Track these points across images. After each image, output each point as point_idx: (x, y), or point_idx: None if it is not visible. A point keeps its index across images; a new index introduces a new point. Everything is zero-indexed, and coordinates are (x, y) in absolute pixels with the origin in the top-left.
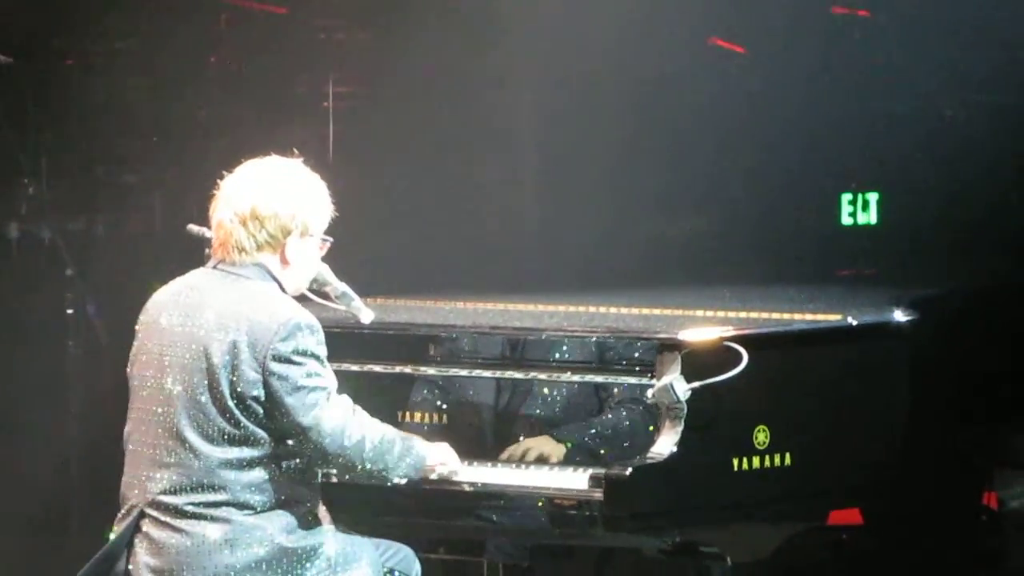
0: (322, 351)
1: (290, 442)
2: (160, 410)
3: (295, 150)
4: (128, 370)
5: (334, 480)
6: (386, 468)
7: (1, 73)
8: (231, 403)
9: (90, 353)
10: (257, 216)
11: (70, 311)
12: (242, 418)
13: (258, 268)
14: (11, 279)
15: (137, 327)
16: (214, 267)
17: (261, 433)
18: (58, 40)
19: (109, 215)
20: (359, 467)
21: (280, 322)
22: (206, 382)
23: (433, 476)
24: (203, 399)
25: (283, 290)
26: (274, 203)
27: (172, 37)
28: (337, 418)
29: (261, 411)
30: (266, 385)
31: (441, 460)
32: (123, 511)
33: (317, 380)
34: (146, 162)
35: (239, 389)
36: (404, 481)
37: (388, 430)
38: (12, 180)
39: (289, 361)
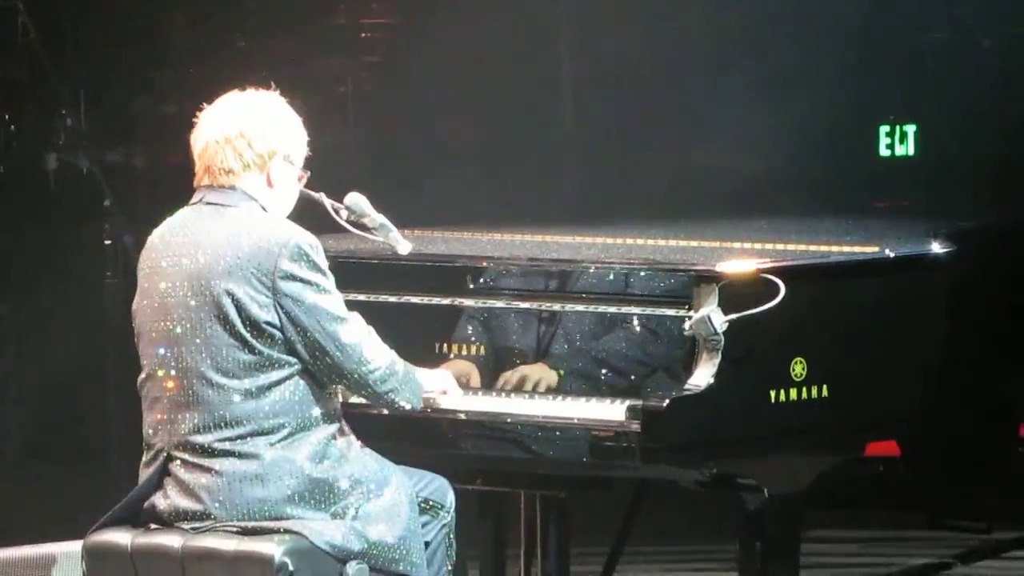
0: (325, 265)
1: (308, 361)
2: (171, 352)
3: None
4: (133, 319)
5: (365, 411)
6: (394, 390)
7: (40, 5)
8: (244, 331)
9: (128, 284)
10: (244, 135)
11: (108, 242)
12: (257, 344)
13: (243, 195)
14: (49, 210)
15: (137, 271)
16: (199, 201)
17: (278, 356)
18: None
19: (146, 146)
20: (371, 386)
21: (281, 243)
22: (215, 315)
23: (433, 403)
24: (213, 333)
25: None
26: (261, 123)
27: None
28: (354, 333)
29: (277, 334)
30: (278, 307)
31: (440, 388)
32: (149, 456)
33: (327, 296)
34: (183, 93)
35: (251, 315)
36: (408, 407)
37: (391, 353)
38: (50, 111)
39: (298, 279)
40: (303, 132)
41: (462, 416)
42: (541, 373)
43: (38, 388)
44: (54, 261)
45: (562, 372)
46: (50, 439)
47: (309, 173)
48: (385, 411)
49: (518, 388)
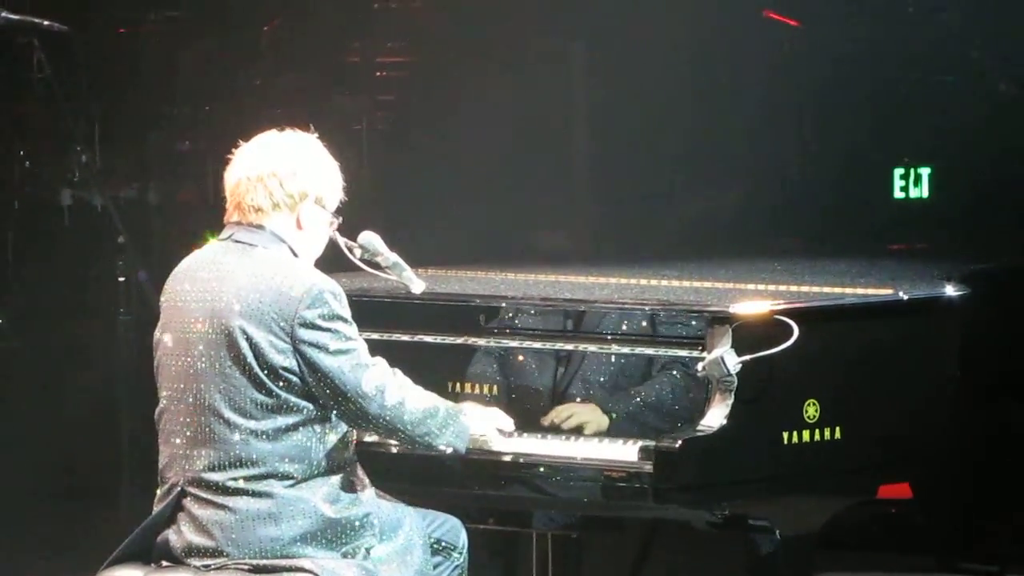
0: (347, 313)
1: (331, 407)
2: (189, 388)
3: (311, 126)
4: (154, 350)
5: (383, 450)
6: (429, 434)
7: (55, 41)
8: (261, 374)
9: (141, 320)
10: (276, 174)
11: (121, 279)
12: (274, 387)
13: (272, 235)
14: (63, 246)
15: (160, 305)
16: (228, 238)
17: (294, 400)
18: (112, 9)
19: (161, 183)
20: (401, 429)
21: (304, 289)
22: (232, 355)
23: (476, 446)
24: (231, 372)
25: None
26: (294, 164)
27: (225, 6)
28: (376, 378)
29: (294, 379)
30: (298, 354)
31: (484, 432)
32: (163, 490)
33: (349, 343)
34: (198, 130)
35: (268, 359)
36: (450, 450)
37: (431, 396)
38: (65, 148)
39: (317, 327)
40: (338, 177)
41: (507, 459)
42: (591, 415)
43: (51, 423)
44: (68, 297)
45: (614, 415)
46: (63, 475)
47: (340, 219)
48: (425, 452)
49: (563, 425)
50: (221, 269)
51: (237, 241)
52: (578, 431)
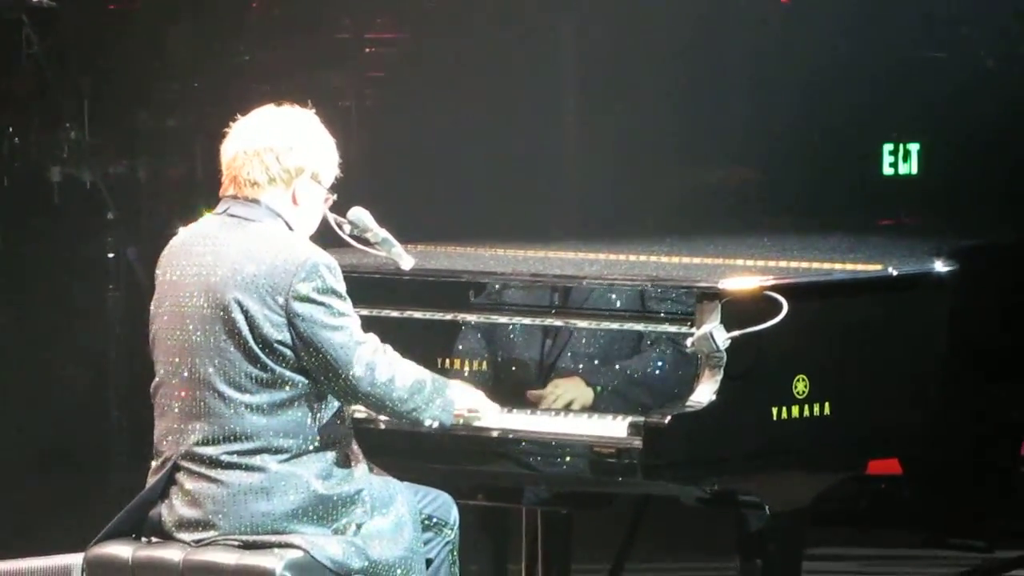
0: (342, 288)
1: (322, 382)
2: (184, 361)
3: (308, 101)
4: (150, 323)
5: (373, 426)
6: (416, 408)
7: (45, 17)
8: (256, 347)
9: (130, 297)
10: (273, 148)
11: (111, 255)
12: (268, 361)
13: (267, 209)
14: (53, 223)
15: (156, 279)
16: (224, 212)
17: (289, 375)
18: None
19: (150, 159)
20: (390, 405)
21: (298, 263)
22: (227, 329)
23: (462, 422)
24: (226, 346)
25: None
26: (291, 139)
27: None
28: (368, 355)
29: (289, 353)
30: (291, 327)
31: (472, 407)
32: (157, 463)
33: (342, 318)
34: (187, 107)
35: (263, 332)
36: (436, 424)
37: (420, 371)
38: (55, 124)
39: (312, 301)
40: (334, 154)
41: (494, 435)
42: (576, 390)
43: (41, 399)
44: (57, 273)
45: (598, 389)
46: (53, 451)
47: (335, 196)
48: (412, 427)
49: (552, 405)
50: (217, 243)
51: (233, 215)
52: (566, 408)
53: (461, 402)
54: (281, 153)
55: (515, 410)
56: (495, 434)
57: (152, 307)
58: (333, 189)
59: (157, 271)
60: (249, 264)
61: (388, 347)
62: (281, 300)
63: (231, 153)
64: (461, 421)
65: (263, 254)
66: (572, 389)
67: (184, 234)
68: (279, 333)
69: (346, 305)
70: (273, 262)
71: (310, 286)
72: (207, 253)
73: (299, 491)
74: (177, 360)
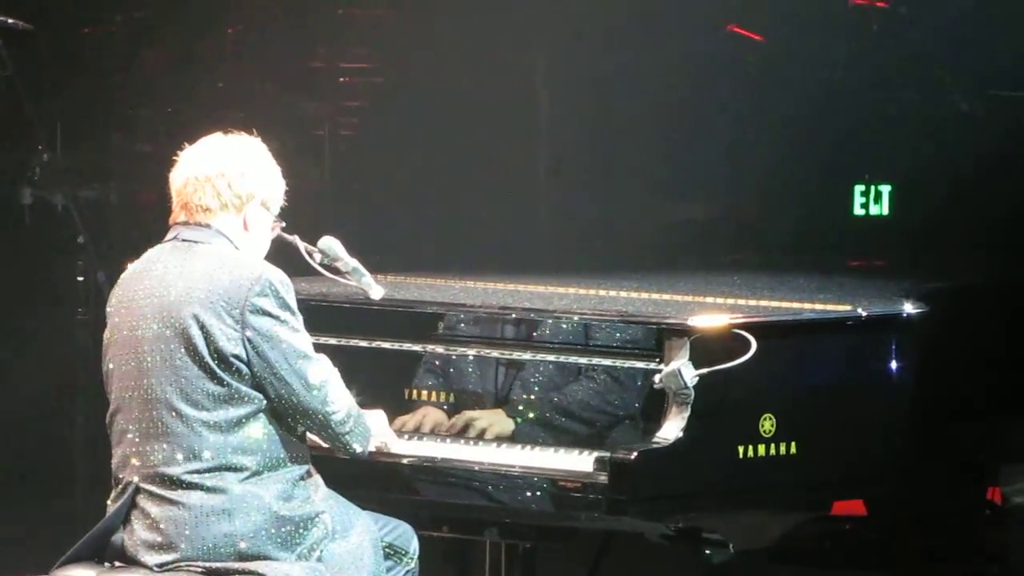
0: (294, 304)
1: (272, 398)
2: (141, 384)
3: (253, 130)
4: (104, 359)
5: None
6: (349, 433)
7: (19, 40)
8: (212, 363)
9: (99, 321)
10: (225, 174)
11: (81, 278)
12: (225, 376)
13: (218, 234)
14: (23, 245)
15: (107, 316)
16: (173, 238)
17: (246, 390)
18: (76, 8)
19: (122, 184)
20: (331, 427)
21: (252, 278)
22: (184, 347)
23: (383, 448)
24: (182, 364)
25: None
26: (242, 165)
27: (189, 8)
28: (321, 373)
29: (244, 368)
30: (247, 341)
31: (382, 435)
32: (117, 490)
33: (296, 335)
34: (160, 132)
35: (219, 347)
36: (360, 450)
37: (351, 398)
38: (27, 146)
39: (267, 314)
40: (282, 181)
41: (406, 461)
42: (492, 419)
43: (6, 422)
44: (26, 296)
45: (519, 420)
46: (17, 474)
47: (284, 224)
48: (337, 453)
49: (463, 433)
50: (168, 266)
51: (184, 240)
52: (479, 438)
53: (377, 429)
54: (233, 179)
55: (480, 443)
56: (406, 461)
57: (106, 339)
58: (281, 217)
59: (108, 307)
60: (203, 281)
61: (336, 371)
62: (237, 314)
63: (182, 180)
64: (381, 447)
65: (217, 271)
66: (487, 417)
67: (133, 266)
68: (235, 347)
69: (299, 321)
70: (228, 278)
71: (265, 301)
72: (160, 276)
73: (260, 512)
74: (132, 383)
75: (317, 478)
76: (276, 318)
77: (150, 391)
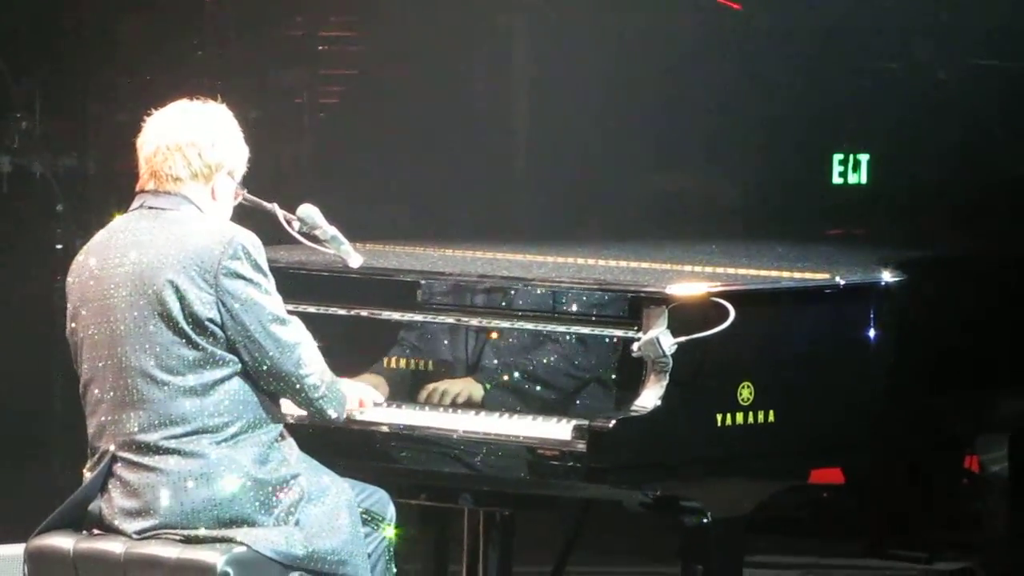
0: (266, 266)
1: (246, 360)
2: (113, 352)
3: (219, 97)
4: (69, 330)
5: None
6: (323, 398)
7: None
8: (187, 327)
9: None
10: (196, 143)
11: (59, 246)
12: (200, 340)
13: (186, 200)
14: (1, 213)
15: (68, 288)
16: (140, 206)
17: (220, 353)
18: None
19: (101, 152)
20: (304, 391)
21: (224, 241)
22: (158, 312)
23: (356, 416)
24: (156, 330)
25: None
26: (214, 134)
27: None
28: (294, 335)
29: (219, 331)
30: (221, 304)
31: (359, 399)
32: (94, 459)
33: (268, 297)
34: (139, 100)
35: (194, 311)
36: (335, 416)
37: (324, 363)
38: (5, 114)
39: (240, 277)
40: (246, 149)
41: (384, 429)
42: (464, 386)
43: None
44: (4, 264)
45: (488, 386)
46: None
47: (245, 190)
48: (314, 419)
49: (439, 401)
50: (138, 234)
51: (151, 207)
52: (453, 404)
53: (351, 395)
54: (204, 148)
55: (460, 410)
56: (418, 432)
57: (70, 311)
58: (254, 179)
59: (69, 279)
60: (175, 247)
61: (309, 335)
62: (210, 277)
63: (151, 148)
64: (355, 415)
65: (188, 236)
66: (459, 385)
67: (98, 236)
68: (209, 311)
69: (271, 284)
70: (199, 242)
71: (238, 263)
72: (129, 244)
73: (238, 476)
74: (106, 353)
75: (291, 440)
76: (249, 280)
77: (124, 359)
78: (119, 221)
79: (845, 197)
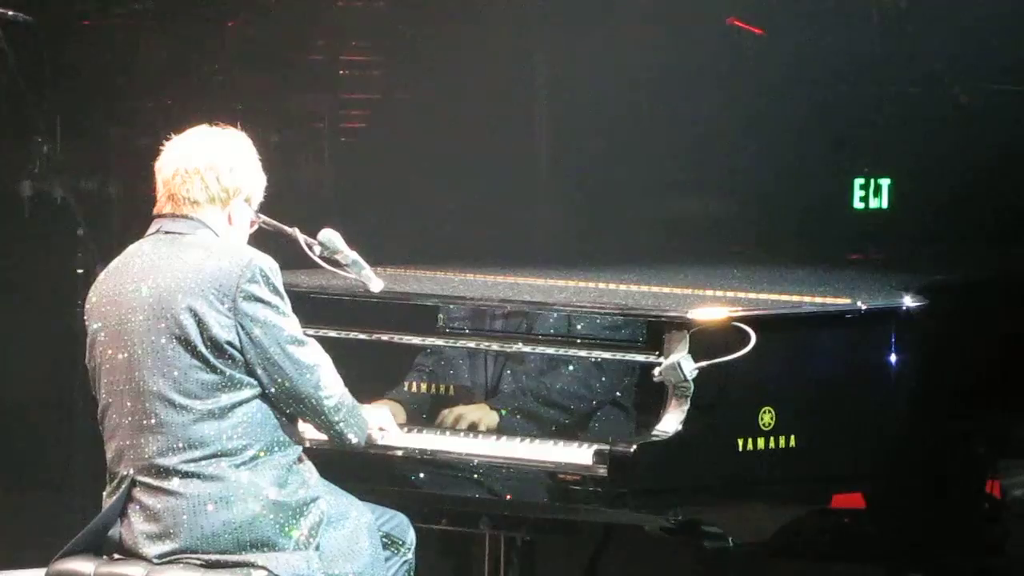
0: (283, 289)
1: (265, 383)
2: (132, 376)
3: (238, 124)
4: (88, 356)
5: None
6: (343, 422)
7: (19, 31)
8: (205, 351)
9: None
10: (214, 167)
11: (80, 271)
12: (219, 364)
13: (202, 225)
14: (23, 237)
15: (86, 314)
16: (156, 231)
17: (239, 376)
18: (76, 1)
19: (121, 176)
20: (324, 414)
21: (243, 264)
22: (176, 337)
23: (377, 441)
24: (174, 355)
25: None
26: (231, 160)
27: (189, 0)
28: (312, 357)
29: (237, 355)
30: (239, 327)
31: (377, 424)
32: (112, 484)
33: (286, 319)
34: (160, 124)
35: (213, 335)
36: (355, 440)
37: (343, 385)
38: (27, 138)
39: (259, 300)
40: (263, 176)
41: (403, 453)
42: (480, 413)
43: (5, 415)
44: (25, 288)
45: (504, 412)
46: (15, 466)
47: (262, 218)
48: (333, 444)
49: (458, 426)
50: (155, 259)
51: (167, 232)
52: (471, 429)
53: (372, 420)
54: (222, 173)
55: (480, 436)
56: (402, 453)
57: (89, 337)
58: (271, 206)
59: (88, 304)
60: (193, 271)
61: (328, 358)
62: (228, 301)
63: (170, 170)
64: (376, 440)
65: (205, 260)
66: (474, 412)
67: (116, 262)
68: (228, 334)
69: (288, 306)
70: (217, 266)
71: (256, 287)
72: (147, 269)
73: (257, 499)
74: (124, 377)
75: (309, 464)
76: (267, 303)
77: (142, 383)
78: (136, 246)
79: (866, 222)
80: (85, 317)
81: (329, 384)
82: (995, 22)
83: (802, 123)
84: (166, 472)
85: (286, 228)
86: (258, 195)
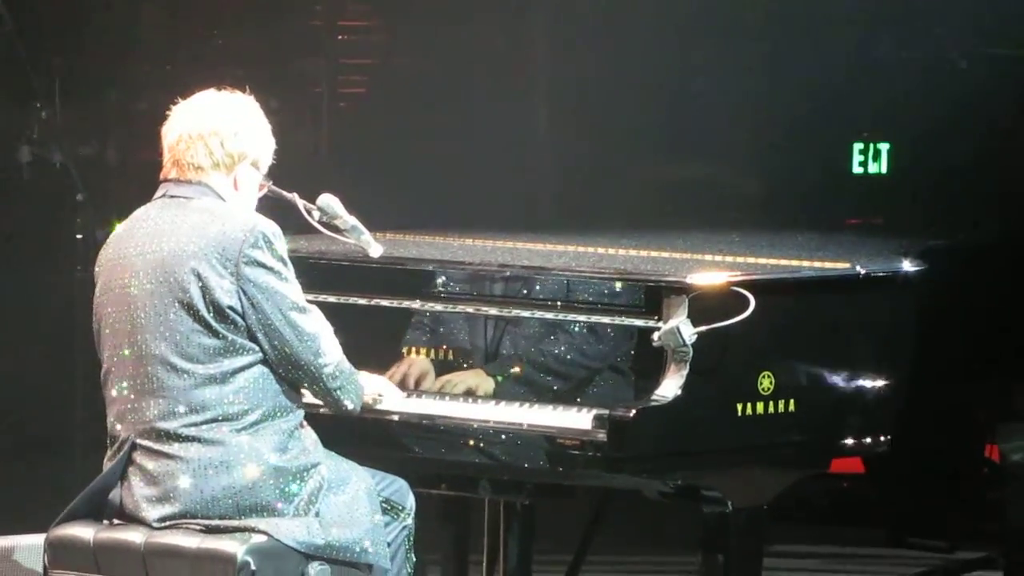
0: (286, 256)
1: (266, 349)
2: (135, 340)
3: (247, 88)
4: (94, 319)
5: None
6: (340, 388)
7: None
8: (207, 315)
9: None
10: (217, 133)
11: (79, 236)
12: (221, 328)
13: (209, 190)
14: (22, 202)
15: (95, 277)
16: (162, 196)
17: (240, 341)
18: None
19: (120, 141)
20: (323, 380)
21: (246, 229)
22: (179, 301)
23: (367, 406)
24: (176, 319)
25: None
26: (236, 124)
27: None
28: (313, 324)
29: (239, 319)
30: (241, 292)
31: (377, 391)
32: (113, 447)
33: (289, 285)
34: (158, 89)
35: (215, 299)
36: (351, 407)
37: (341, 351)
38: (25, 103)
39: (262, 265)
40: (272, 141)
41: (395, 418)
42: (478, 379)
43: (4, 380)
44: (25, 253)
45: (499, 378)
46: (15, 432)
47: (271, 183)
48: (329, 409)
49: (457, 391)
50: (160, 223)
51: (172, 196)
52: (467, 394)
53: (368, 387)
54: (226, 138)
55: (479, 400)
56: (400, 418)
57: (96, 298)
58: (273, 172)
59: (96, 267)
60: (197, 235)
61: (328, 325)
62: (231, 266)
63: (174, 136)
64: (371, 404)
65: (209, 225)
66: (470, 378)
67: (122, 226)
68: (230, 299)
69: (291, 272)
70: (221, 230)
71: (259, 251)
72: (152, 233)
73: (258, 464)
74: (126, 341)
75: (309, 430)
76: (270, 269)
77: (144, 347)
78: (143, 210)
79: (865, 186)
80: (94, 281)
81: (328, 351)
82: None
83: (801, 89)
84: (167, 436)
85: (285, 193)
86: (266, 160)
